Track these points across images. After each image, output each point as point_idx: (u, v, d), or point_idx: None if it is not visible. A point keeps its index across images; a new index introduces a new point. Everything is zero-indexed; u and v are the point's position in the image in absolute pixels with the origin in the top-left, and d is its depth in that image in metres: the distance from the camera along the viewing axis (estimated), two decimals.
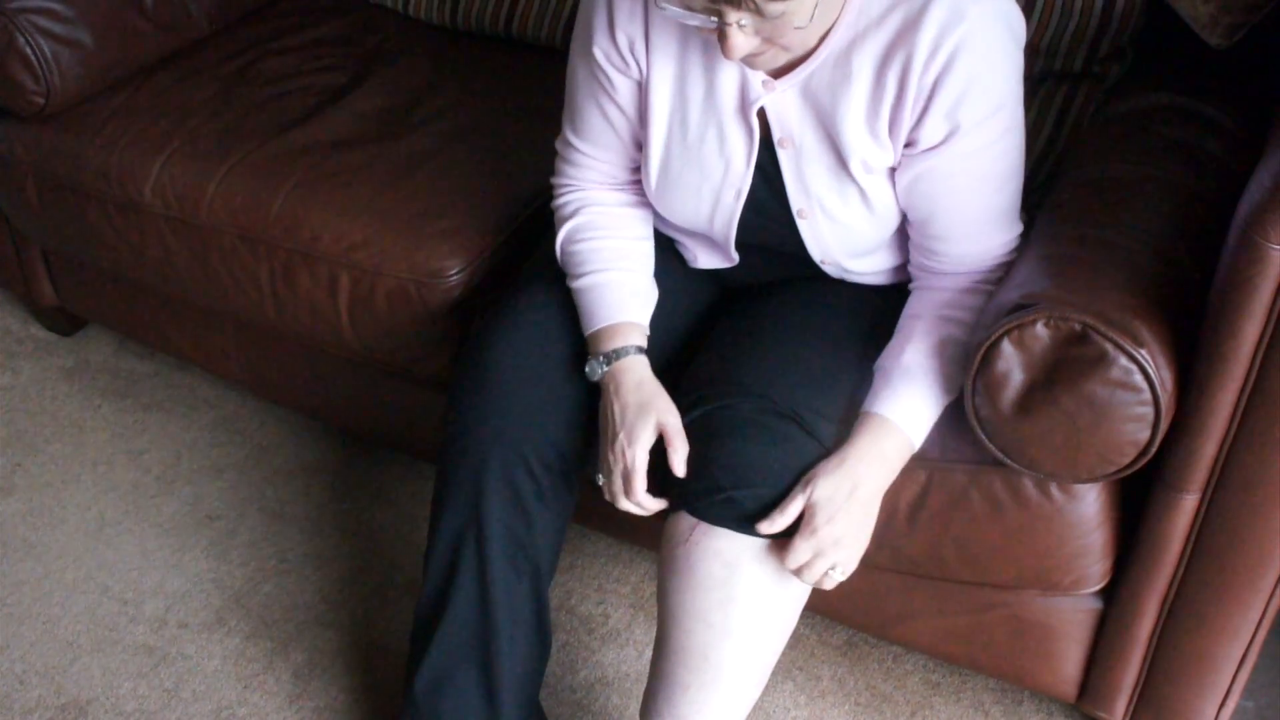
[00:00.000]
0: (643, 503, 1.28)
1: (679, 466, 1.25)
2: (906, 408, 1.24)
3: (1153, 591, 1.30)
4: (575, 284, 1.37)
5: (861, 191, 1.25)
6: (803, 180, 1.26)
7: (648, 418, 1.26)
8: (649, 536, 1.57)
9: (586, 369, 1.32)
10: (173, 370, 2.14)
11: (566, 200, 1.42)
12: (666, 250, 1.44)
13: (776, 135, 1.25)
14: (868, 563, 1.38)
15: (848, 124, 1.21)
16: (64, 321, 2.19)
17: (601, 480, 1.30)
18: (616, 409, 1.28)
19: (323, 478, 1.92)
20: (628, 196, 1.42)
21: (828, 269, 1.35)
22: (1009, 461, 1.21)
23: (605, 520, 1.61)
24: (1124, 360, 1.10)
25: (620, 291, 1.35)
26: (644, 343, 1.33)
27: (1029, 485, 1.26)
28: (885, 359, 1.28)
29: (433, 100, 1.86)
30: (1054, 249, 1.21)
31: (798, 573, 1.21)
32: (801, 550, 1.20)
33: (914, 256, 1.33)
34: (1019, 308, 1.14)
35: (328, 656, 1.63)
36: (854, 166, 1.23)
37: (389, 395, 1.76)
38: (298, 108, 1.84)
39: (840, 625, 1.65)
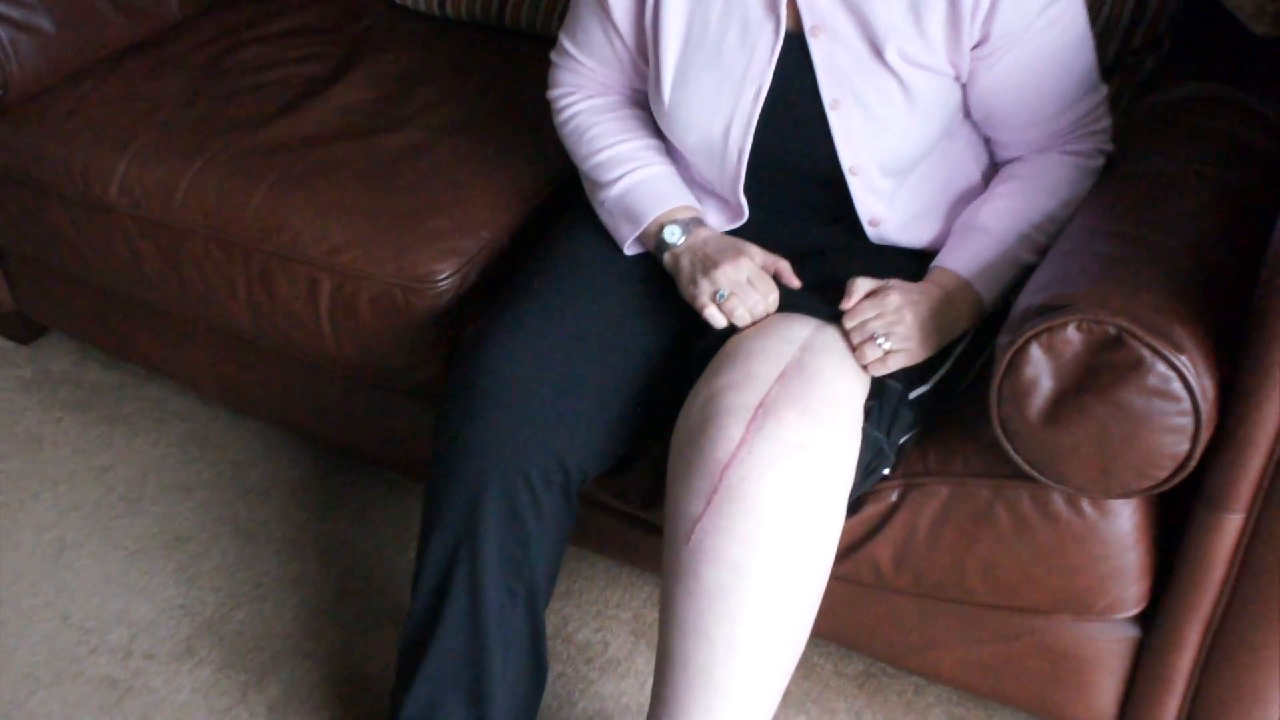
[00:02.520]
0: (769, 292, 1.33)
1: (793, 279, 1.35)
2: (972, 259, 1.31)
3: (1195, 617, 1.29)
4: (617, 186, 1.44)
5: (900, 82, 1.30)
6: (836, 69, 1.31)
7: (746, 246, 1.37)
8: (651, 558, 1.57)
9: (665, 233, 1.40)
10: (140, 381, 2.14)
11: (575, 110, 1.50)
12: None
13: (808, 24, 1.30)
14: (885, 586, 1.38)
15: (883, 10, 1.27)
16: (22, 328, 2.19)
17: (728, 292, 1.33)
18: (713, 247, 1.37)
19: (301, 497, 1.92)
20: (633, 102, 1.50)
21: (855, 186, 1.36)
22: (1037, 475, 1.21)
23: (605, 541, 1.61)
24: (1162, 367, 1.10)
25: (676, 181, 1.45)
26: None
27: (1059, 501, 1.26)
28: (962, 217, 1.36)
29: (421, 92, 1.87)
30: (1087, 248, 1.22)
31: (854, 338, 1.26)
32: (866, 309, 1.26)
33: (996, 151, 1.40)
34: (1049, 310, 1.14)
35: (306, 688, 1.63)
36: (890, 55, 1.28)
37: (373, 408, 1.76)
38: (276, 100, 1.85)
39: (857, 654, 1.65)
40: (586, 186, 1.50)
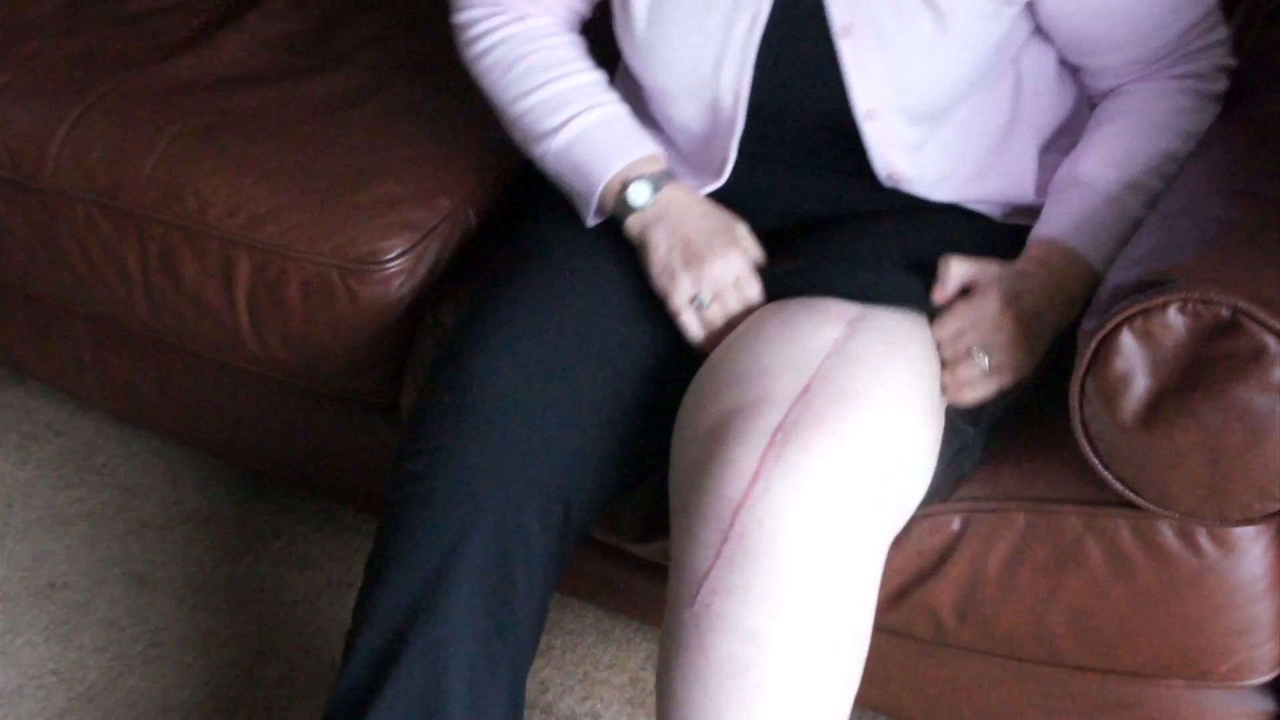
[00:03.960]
0: (754, 299, 1.37)
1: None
2: (1077, 222, 1.32)
3: None
4: (561, 136, 1.43)
5: (929, 3, 1.31)
6: None
7: (733, 221, 1.40)
8: (650, 608, 1.58)
9: (630, 194, 1.40)
10: (2, 385, 2.15)
11: (498, 38, 1.47)
12: None
13: None
14: (946, 640, 1.39)
15: None
16: None
17: (709, 299, 1.37)
18: (697, 227, 1.38)
19: (211, 531, 1.93)
20: (569, 25, 1.50)
21: (871, 134, 1.37)
22: (1134, 497, 1.22)
23: (593, 586, 1.62)
24: None
25: (635, 125, 1.44)
26: None
27: (1167, 533, 1.27)
28: (1057, 175, 1.37)
29: (363, 21, 1.88)
30: (1195, 209, 1.22)
31: (944, 352, 1.30)
32: (959, 314, 1.28)
33: (1089, 83, 1.42)
34: (1145, 287, 1.14)
35: None
36: None
37: (305, 420, 1.77)
38: (178, 29, 1.86)
39: None
40: (516, 137, 1.50)
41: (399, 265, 1.58)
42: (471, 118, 1.69)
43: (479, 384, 1.34)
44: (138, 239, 1.69)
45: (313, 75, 1.79)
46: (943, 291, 1.30)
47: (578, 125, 1.43)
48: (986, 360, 1.28)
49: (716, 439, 1.22)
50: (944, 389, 1.30)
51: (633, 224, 1.41)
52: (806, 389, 1.21)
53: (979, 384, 1.29)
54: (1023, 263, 1.33)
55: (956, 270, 1.31)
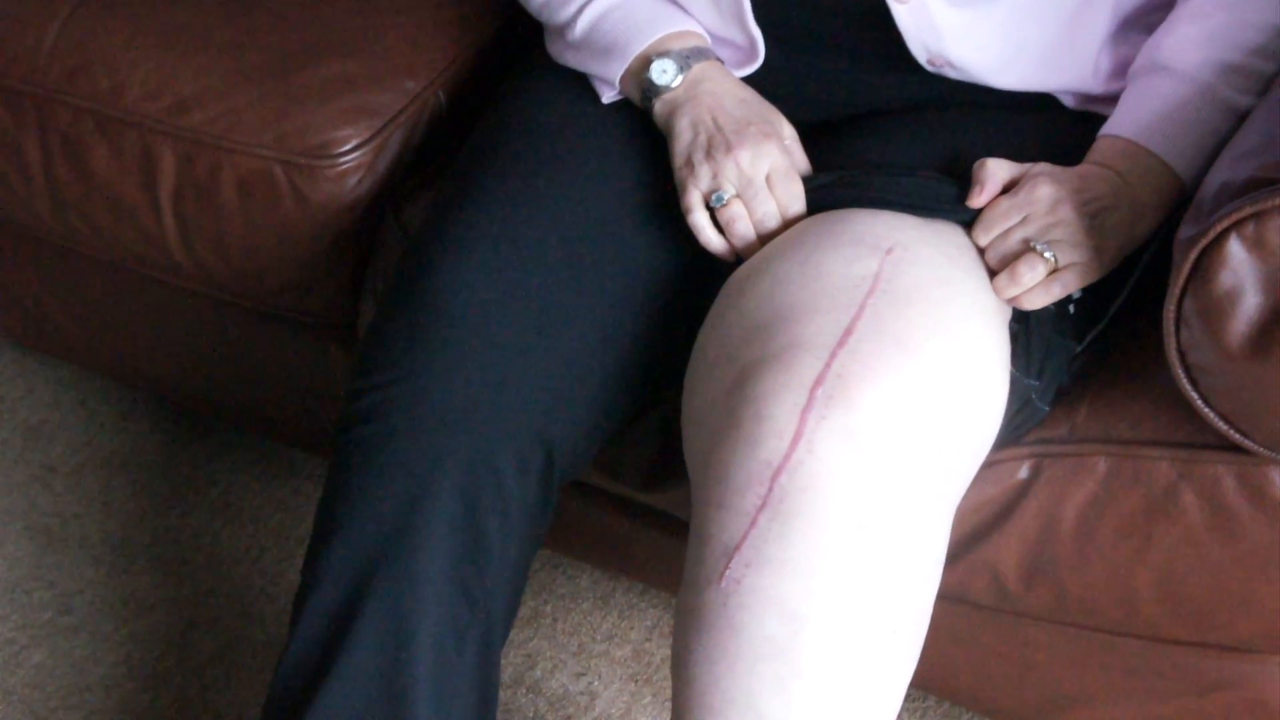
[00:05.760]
0: (792, 202, 1.36)
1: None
2: (1152, 116, 1.31)
3: None
4: (582, 21, 1.44)
5: None
6: None
7: (776, 114, 1.40)
8: (655, 567, 1.59)
9: (652, 71, 1.41)
10: None
11: None
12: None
13: None
14: (1011, 607, 1.40)
15: None
16: None
17: (729, 195, 1.35)
18: (729, 112, 1.37)
19: (132, 477, 1.94)
20: None
21: (904, 18, 1.36)
22: (1240, 439, 1.21)
23: (589, 543, 1.63)
24: None
25: (664, 4, 1.44)
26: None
27: (1278, 481, 1.27)
28: (1136, 60, 1.36)
29: None
30: None
31: (992, 255, 1.28)
32: (1004, 211, 1.28)
33: None
34: (1257, 185, 1.13)
35: None
36: None
37: (244, 345, 1.77)
38: None
39: (969, 713, 1.66)
40: (549, 42, 1.51)
41: (355, 159, 1.58)
42: None
43: (441, 302, 1.34)
44: (38, 126, 1.68)
45: None
46: (980, 194, 1.28)
47: (594, 9, 1.44)
48: (1052, 254, 1.26)
49: (745, 395, 1.21)
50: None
51: (659, 110, 1.41)
52: (848, 333, 1.21)
53: (1041, 290, 1.27)
54: (1083, 166, 1.32)
55: (995, 168, 1.29)
